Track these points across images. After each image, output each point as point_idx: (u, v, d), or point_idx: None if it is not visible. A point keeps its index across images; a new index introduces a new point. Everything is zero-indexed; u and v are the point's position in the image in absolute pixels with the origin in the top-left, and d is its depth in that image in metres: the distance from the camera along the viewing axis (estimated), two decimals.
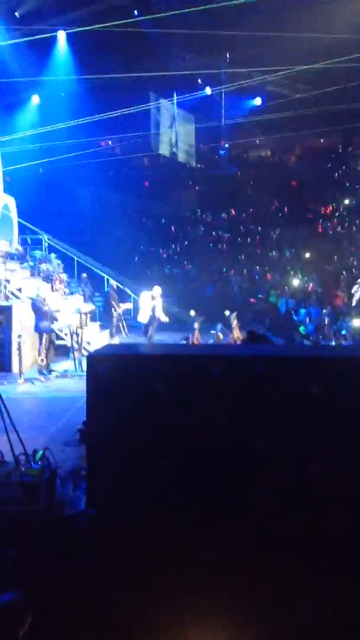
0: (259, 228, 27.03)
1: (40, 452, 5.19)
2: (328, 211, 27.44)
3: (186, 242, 26.82)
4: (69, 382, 11.04)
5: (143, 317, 13.93)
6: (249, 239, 26.42)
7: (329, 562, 4.54)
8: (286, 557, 4.56)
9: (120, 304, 16.22)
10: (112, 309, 15.60)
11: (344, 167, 29.82)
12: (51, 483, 5.07)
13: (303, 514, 4.72)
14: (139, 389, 4.94)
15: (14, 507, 4.80)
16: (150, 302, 13.75)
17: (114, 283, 16.90)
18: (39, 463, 5.06)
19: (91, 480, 4.96)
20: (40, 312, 11.47)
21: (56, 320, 11.91)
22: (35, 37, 16.66)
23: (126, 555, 4.53)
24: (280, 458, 4.76)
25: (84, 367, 11.28)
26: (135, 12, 18.57)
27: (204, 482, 4.84)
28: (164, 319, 13.99)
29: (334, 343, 15.40)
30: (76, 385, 10.43)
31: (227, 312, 16.52)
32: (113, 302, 15.65)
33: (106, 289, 16.73)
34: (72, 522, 4.88)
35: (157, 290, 13.97)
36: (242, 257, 24.84)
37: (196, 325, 14.10)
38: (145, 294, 14.07)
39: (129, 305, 17.24)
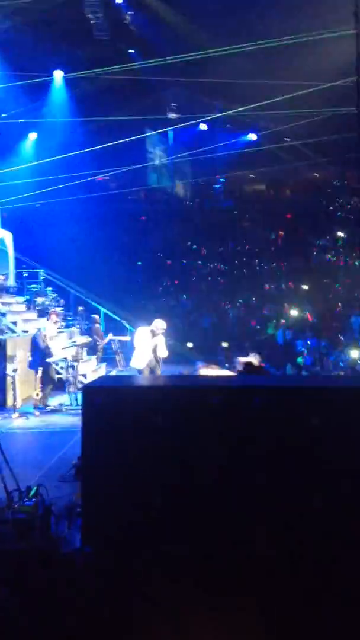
0: (256, 260, 27.20)
1: (34, 489, 5.05)
2: (324, 243, 27.65)
3: (183, 275, 26.94)
4: (64, 416, 10.88)
5: (138, 362, 10.58)
6: (245, 271, 26.55)
7: (335, 599, 4.39)
8: (290, 597, 4.40)
9: (110, 336, 16.40)
10: (97, 342, 15.84)
11: (338, 200, 30.20)
12: (45, 520, 4.92)
13: (306, 549, 4.58)
14: (136, 421, 4.84)
15: (6, 545, 4.66)
16: (150, 341, 10.55)
17: (96, 317, 16.98)
18: (33, 500, 4.92)
19: (87, 517, 4.82)
20: (37, 347, 11.40)
21: (51, 356, 11.79)
22: (32, 80, 16.92)
23: (123, 594, 4.37)
24: (282, 490, 4.64)
25: (80, 401, 11.17)
26: (132, 50, 19.00)
27: (204, 517, 4.70)
28: (164, 355, 10.76)
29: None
30: (71, 420, 10.29)
31: (224, 344, 16.44)
32: (96, 336, 15.82)
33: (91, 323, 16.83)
34: (67, 560, 4.72)
35: (160, 324, 10.68)
36: (239, 289, 24.92)
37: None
38: (143, 330, 10.85)
39: (126, 338, 17.22)
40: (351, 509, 4.60)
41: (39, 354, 11.47)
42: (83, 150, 17.28)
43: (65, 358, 12.32)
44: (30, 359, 11.69)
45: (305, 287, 24.11)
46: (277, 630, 4.04)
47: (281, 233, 28.15)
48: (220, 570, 4.46)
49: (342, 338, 18.15)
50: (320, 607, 4.32)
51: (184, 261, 27.82)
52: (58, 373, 12.96)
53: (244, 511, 4.68)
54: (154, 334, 10.59)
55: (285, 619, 4.09)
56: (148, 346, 10.51)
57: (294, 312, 22.12)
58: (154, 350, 10.57)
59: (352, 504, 4.61)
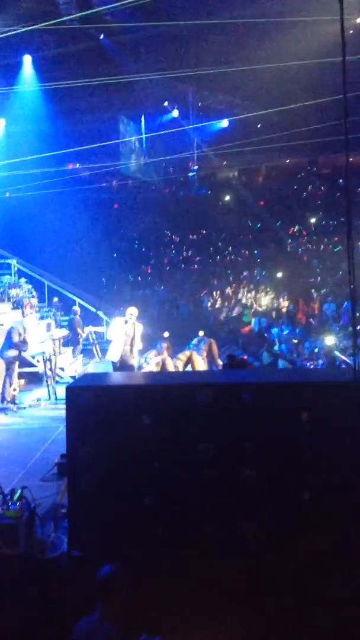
0: (230, 248, 27.18)
1: (19, 492, 4.94)
2: (297, 230, 27.75)
3: (158, 264, 26.79)
4: (43, 411, 10.72)
5: (112, 353, 10.22)
6: (219, 259, 26.52)
7: (326, 588, 4.40)
8: (280, 591, 4.39)
9: (87, 328, 16.18)
10: (78, 335, 15.55)
11: (310, 187, 30.31)
12: (30, 524, 4.82)
13: (295, 542, 4.57)
14: (122, 420, 4.76)
15: None
16: (123, 329, 10.20)
17: (77, 309, 16.73)
18: (17, 503, 4.80)
19: (73, 520, 4.73)
20: (10, 339, 11.13)
21: (24, 350, 11.53)
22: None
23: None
24: (270, 485, 4.61)
25: (59, 395, 11.04)
26: (102, 36, 18.61)
27: (192, 515, 4.65)
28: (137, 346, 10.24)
29: (308, 363, 15.34)
30: (51, 415, 10.14)
31: (201, 333, 16.38)
32: (78, 328, 15.60)
33: (70, 315, 16.58)
34: (54, 565, 4.63)
35: (133, 311, 10.38)
36: (214, 277, 24.90)
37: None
38: (117, 320, 10.57)
39: (101, 329, 17.06)
40: (340, 501, 4.61)
41: (10, 346, 11.17)
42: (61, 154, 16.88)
43: (43, 351, 12.12)
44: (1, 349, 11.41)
45: (279, 274, 24.19)
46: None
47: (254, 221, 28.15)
48: (213, 569, 4.42)
49: (313, 322, 18.27)
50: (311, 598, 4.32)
51: (159, 250, 27.66)
52: (33, 366, 12.75)
53: (234, 508, 4.65)
54: (126, 322, 10.26)
55: (278, 624, 4.08)
56: (121, 336, 10.12)
57: (268, 300, 22.21)
58: (128, 342, 10.12)
59: (341, 496, 4.61)
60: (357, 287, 4.89)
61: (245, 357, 9.68)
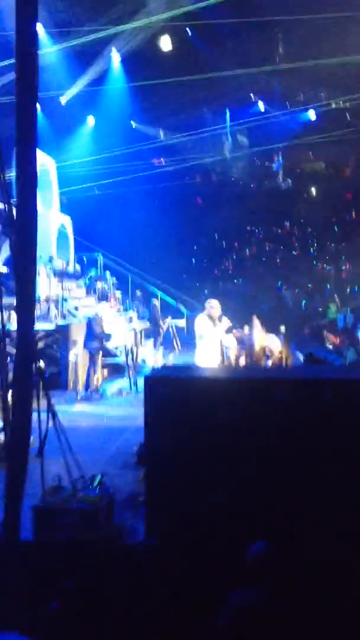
0: (314, 242, 26.62)
1: (99, 478, 5.06)
2: None
3: (240, 258, 26.66)
4: (125, 401, 10.96)
5: (210, 359, 8.21)
6: (304, 253, 26.05)
7: None
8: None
9: (167, 320, 16.33)
10: (159, 327, 15.73)
11: None
12: (109, 510, 4.92)
13: None
14: (200, 413, 4.76)
15: (71, 535, 4.68)
16: (215, 329, 8.36)
17: (156, 301, 16.91)
18: (97, 489, 4.93)
19: (151, 508, 4.79)
20: (91, 331, 11.45)
21: (107, 341, 11.80)
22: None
23: (188, 589, 4.33)
24: (354, 486, 4.48)
25: (140, 386, 11.25)
26: (188, 30, 18.62)
27: (271, 511, 4.59)
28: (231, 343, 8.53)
29: None
30: (132, 404, 10.35)
31: (282, 328, 16.18)
32: (159, 321, 15.80)
33: (151, 308, 16.79)
34: (131, 553, 4.71)
35: (215, 304, 8.62)
36: (297, 271, 24.50)
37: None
38: (202, 319, 8.52)
39: (181, 323, 17.19)
40: None
41: (91, 338, 11.50)
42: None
43: (125, 343, 12.38)
44: (84, 340, 11.74)
45: None
46: None
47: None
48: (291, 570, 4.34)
49: None
50: None
51: (241, 243, 27.51)
52: (115, 355, 13.02)
53: (313, 506, 4.55)
54: (212, 318, 8.39)
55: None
56: (215, 337, 8.27)
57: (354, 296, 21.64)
58: (221, 342, 8.38)
59: None
60: None
61: (325, 355, 9.45)
